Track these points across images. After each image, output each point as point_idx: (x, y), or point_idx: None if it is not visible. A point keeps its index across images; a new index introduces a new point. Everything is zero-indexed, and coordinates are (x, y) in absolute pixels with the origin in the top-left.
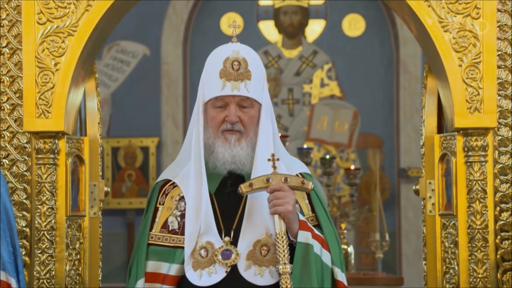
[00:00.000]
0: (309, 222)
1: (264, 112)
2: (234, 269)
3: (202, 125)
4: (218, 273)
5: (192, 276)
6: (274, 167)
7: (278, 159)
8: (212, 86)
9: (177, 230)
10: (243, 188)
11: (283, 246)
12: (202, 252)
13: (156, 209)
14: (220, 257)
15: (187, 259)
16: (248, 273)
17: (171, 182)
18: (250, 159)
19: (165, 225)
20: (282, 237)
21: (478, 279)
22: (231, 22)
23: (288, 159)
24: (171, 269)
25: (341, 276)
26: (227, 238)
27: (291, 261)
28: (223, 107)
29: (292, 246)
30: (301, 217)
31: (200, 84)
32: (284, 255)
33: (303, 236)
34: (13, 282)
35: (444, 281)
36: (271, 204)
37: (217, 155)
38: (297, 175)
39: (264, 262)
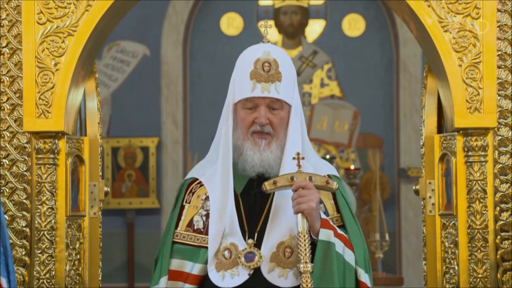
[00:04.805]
0: (333, 222)
1: (294, 113)
2: (257, 271)
3: (232, 126)
4: (241, 275)
5: (214, 277)
6: (299, 165)
7: (303, 158)
8: (242, 87)
9: (202, 230)
10: (267, 185)
11: (305, 245)
12: (226, 253)
13: (182, 207)
14: (243, 259)
15: (211, 260)
16: (272, 275)
17: (198, 181)
18: (279, 161)
19: (190, 224)
20: (304, 235)
21: (478, 279)
22: (231, 22)
23: (316, 160)
24: (194, 269)
25: (364, 277)
26: (250, 241)
27: (312, 261)
28: (253, 109)
29: (314, 245)
30: (323, 216)
31: (230, 84)
32: (305, 254)
33: (325, 234)
34: (3, 281)
35: (444, 281)
36: (295, 202)
37: (246, 158)
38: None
39: (288, 264)
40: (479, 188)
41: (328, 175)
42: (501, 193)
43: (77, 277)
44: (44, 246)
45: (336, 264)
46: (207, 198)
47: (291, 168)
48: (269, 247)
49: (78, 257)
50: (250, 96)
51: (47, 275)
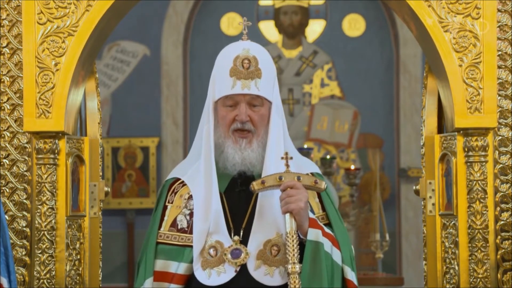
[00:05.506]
0: (319, 221)
1: (275, 110)
2: (243, 268)
3: (213, 124)
4: (227, 273)
5: (201, 275)
6: (287, 165)
7: (291, 158)
8: (222, 84)
9: (186, 229)
10: (255, 185)
11: (293, 246)
12: (211, 251)
13: (165, 208)
14: (229, 256)
15: (196, 258)
16: (258, 273)
17: (180, 181)
18: (261, 158)
19: (174, 224)
20: (292, 236)
21: (478, 279)
22: (231, 22)
23: (299, 158)
24: (180, 268)
25: (351, 275)
26: (236, 237)
27: (301, 261)
28: (233, 106)
29: (302, 245)
30: (311, 215)
31: (210, 82)
32: (293, 255)
33: (313, 234)
34: (4, 282)
35: (444, 281)
36: (283, 202)
37: (227, 156)
38: (307, 174)
39: (274, 262)
40: (480, 188)
41: (311, 173)
42: (502, 193)
43: (78, 277)
44: (44, 246)
45: (324, 264)
46: (190, 197)
47: (274, 167)
48: (256, 245)
49: (79, 257)
50: (230, 93)
51: (48, 275)
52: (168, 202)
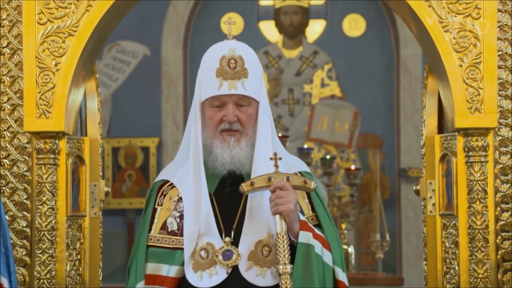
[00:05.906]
0: (309, 222)
1: (262, 109)
2: (235, 270)
3: (200, 125)
4: (219, 274)
5: (192, 277)
6: (277, 166)
7: (280, 158)
8: (208, 85)
9: (177, 231)
10: (244, 187)
11: (284, 246)
12: (202, 253)
13: (155, 210)
14: (221, 257)
15: (187, 261)
16: (249, 274)
17: (169, 183)
18: (250, 158)
19: (164, 227)
20: (283, 237)
21: (479, 279)
22: (227, 20)
23: (287, 157)
24: (171, 271)
25: (342, 276)
26: (227, 239)
27: (291, 262)
28: (220, 107)
29: (293, 246)
30: (302, 217)
31: (196, 83)
32: (284, 255)
33: (304, 237)
34: (5, 282)
35: (445, 281)
36: (273, 203)
37: (216, 156)
38: (296, 173)
39: (266, 263)
40: (480, 188)
41: (300, 172)
42: (502, 193)
43: (78, 277)
44: (44, 246)
45: (316, 266)
46: (179, 199)
47: (264, 167)
48: (247, 245)
49: (79, 257)
50: (217, 94)
51: (48, 275)
52: (158, 205)
